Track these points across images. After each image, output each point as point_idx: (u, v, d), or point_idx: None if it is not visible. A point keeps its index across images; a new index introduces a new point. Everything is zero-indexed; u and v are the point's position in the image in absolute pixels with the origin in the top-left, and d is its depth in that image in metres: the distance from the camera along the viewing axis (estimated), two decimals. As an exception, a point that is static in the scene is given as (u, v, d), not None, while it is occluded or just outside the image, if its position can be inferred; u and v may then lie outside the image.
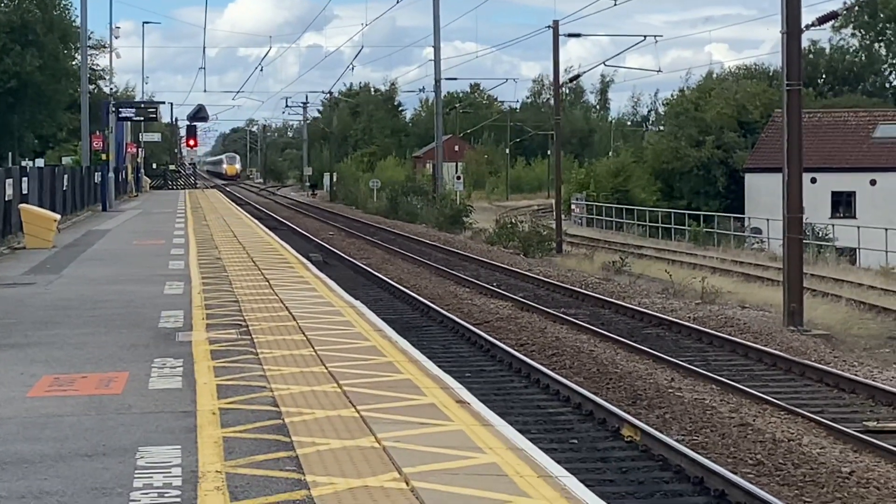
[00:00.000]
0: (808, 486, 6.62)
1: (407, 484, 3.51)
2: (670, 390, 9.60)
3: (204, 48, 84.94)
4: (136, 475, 3.63)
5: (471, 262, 22.83)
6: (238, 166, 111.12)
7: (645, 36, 29.43)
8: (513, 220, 31.51)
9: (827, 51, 62.27)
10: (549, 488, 3.51)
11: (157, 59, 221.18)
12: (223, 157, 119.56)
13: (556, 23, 32.65)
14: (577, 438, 7.95)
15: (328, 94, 75.47)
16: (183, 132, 55.44)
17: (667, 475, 6.85)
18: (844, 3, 42.67)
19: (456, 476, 3.62)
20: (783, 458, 7.23)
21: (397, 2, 26.77)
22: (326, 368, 5.89)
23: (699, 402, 9.10)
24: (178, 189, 51.42)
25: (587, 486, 3.81)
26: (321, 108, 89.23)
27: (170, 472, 3.66)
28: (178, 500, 3.34)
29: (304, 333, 7.27)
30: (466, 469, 3.74)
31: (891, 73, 63.02)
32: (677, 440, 7.54)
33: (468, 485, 3.50)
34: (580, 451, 7.60)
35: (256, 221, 24.78)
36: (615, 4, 24.04)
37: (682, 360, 11.02)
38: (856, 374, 10.36)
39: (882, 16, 58.29)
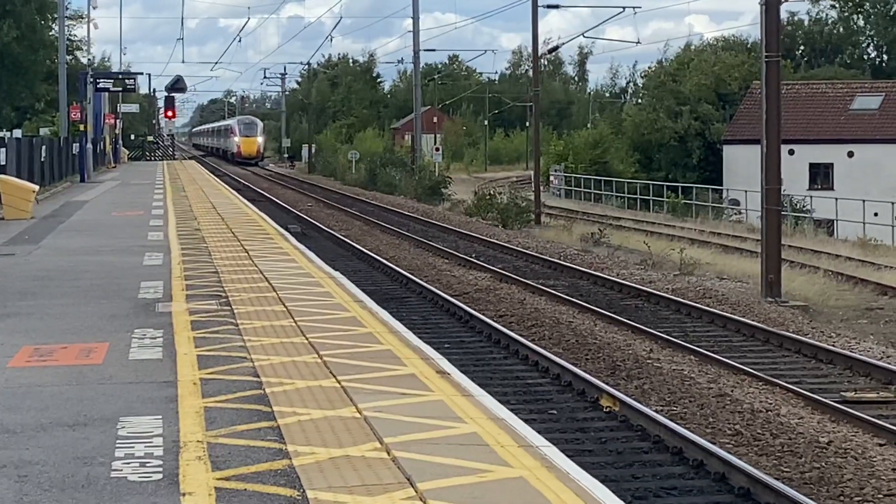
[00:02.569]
0: (786, 456, 6.71)
1: (388, 453, 3.50)
2: (649, 361, 9.68)
3: (182, 19, 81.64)
4: (117, 445, 3.60)
5: (449, 233, 22.77)
6: (261, 139, 65.50)
7: (624, 7, 29.10)
8: (491, 192, 31.47)
9: (805, 22, 62.87)
10: (529, 458, 3.52)
11: (137, 30, 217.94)
12: (233, 122, 68.99)
13: (535, -7, 32.29)
14: (556, 409, 8.00)
15: (307, 66, 75.03)
16: (161, 103, 55.00)
17: (645, 445, 6.92)
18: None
19: (437, 446, 3.62)
20: (761, 429, 7.32)
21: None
22: (307, 339, 5.86)
23: (677, 372, 9.18)
24: (156, 160, 51.80)
25: (567, 455, 3.83)
26: (300, 80, 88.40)
27: (151, 442, 3.63)
28: (160, 469, 3.31)
29: (283, 304, 7.21)
30: (447, 439, 3.73)
31: (868, 44, 63.40)
32: (656, 410, 7.61)
33: (449, 454, 3.50)
34: (560, 421, 7.65)
35: (235, 193, 24.54)
36: (596, -25, 23.67)
37: (660, 331, 11.11)
38: (833, 345, 10.48)
39: (860, -13, 58.68)
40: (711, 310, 12.57)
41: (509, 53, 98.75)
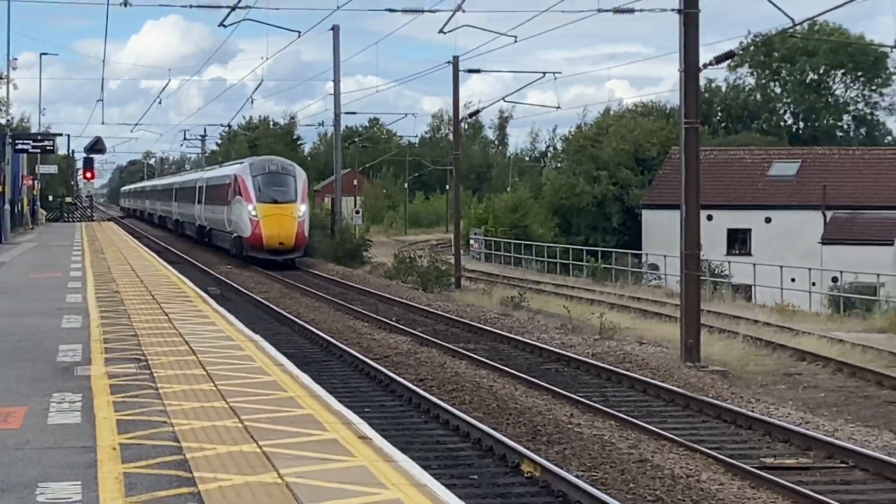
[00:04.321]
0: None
1: None
2: (570, 426, 9.78)
3: (103, 80, 78.05)
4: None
5: (370, 296, 22.69)
6: (303, 210, 30.49)
7: (544, 73, 30.37)
8: (411, 255, 31.67)
9: (723, 89, 65.30)
10: None
11: (58, 91, 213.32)
12: (239, 170, 32.10)
13: (455, 59, 33.34)
14: (477, 474, 7.98)
15: (227, 127, 73.52)
16: (80, 164, 53.83)
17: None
18: (741, 42, 46.14)
19: None
20: (682, 495, 7.43)
21: (299, 35, 26.00)
22: (227, 403, 5.72)
23: (598, 437, 9.31)
24: (74, 221, 50.18)
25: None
26: (219, 141, 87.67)
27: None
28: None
29: (204, 368, 7.03)
30: None
31: (785, 111, 66.78)
32: (577, 476, 7.67)
33: None
34: (481, 486, 7.63)
35: (154, 254, 23.90)
36: (515, 41, 24.68)
37: (581, 396, 11.26)
38: (752, 411, 10.70)
39: (777, 55, 62.40)
40: (632, 374, 12.80)
41: (430, 117, 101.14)
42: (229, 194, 31.27)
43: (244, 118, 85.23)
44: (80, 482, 3.86)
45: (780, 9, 15.50)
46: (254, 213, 28.86)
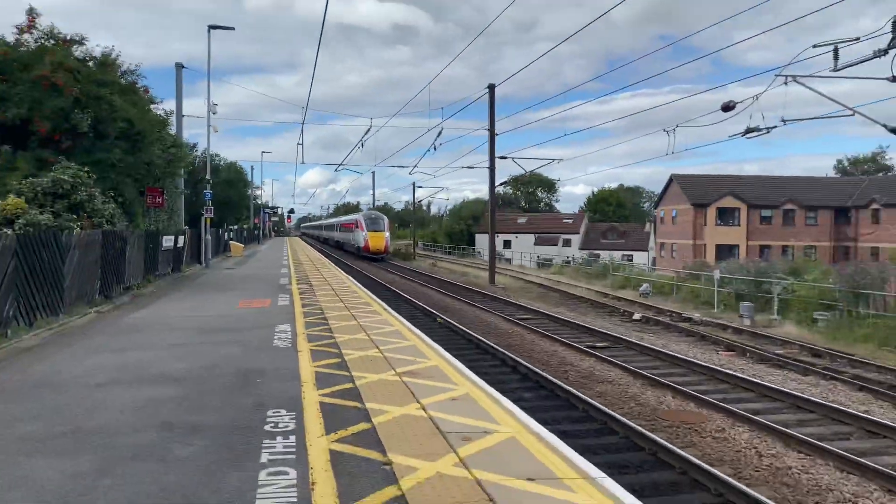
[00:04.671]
0: (490, 328, 24.10)
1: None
2: (454, 306, 26.91)
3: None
4: (275, 333, 18.88)
5: (397, 266, 39.31)
6: (387, 234, 61.88)
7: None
8: (401, 250, 62.72)
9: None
10: (418, 340, 20.36)
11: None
12: (360, 217, 64.78)
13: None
14: (427, 326, 24.75)
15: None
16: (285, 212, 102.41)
17: (459, 338, 23.88)
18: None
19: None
20: (494, 328, 24.65)
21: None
22: (350, 312, 22.28)
23: (460, 308, 26.45)
24: (283, 237, 79.59)
25: (431, 339, 20.62)
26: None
27: (287, 332, 18.96)
28: (290, 340, 18.81)
29: (336, 294, 23.50)
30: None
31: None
32: (457, 322, 24.65)
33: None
34: (426, 327, 24.37)
35: (317, 251, 38.45)
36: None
37: (456, 295, 28.50)
38: (515, 300, 28.56)
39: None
40: (471, 287, 30.42)
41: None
42: (354, 227, 65.56)
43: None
44: (288, 324, 19.65)
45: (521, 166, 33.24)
46: (365, 235, 60.67)
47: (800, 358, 18.21)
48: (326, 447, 6.43)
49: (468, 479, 5.51)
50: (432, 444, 6.41)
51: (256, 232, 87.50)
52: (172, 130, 31.39)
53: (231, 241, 51.74)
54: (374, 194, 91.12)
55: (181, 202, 35.96)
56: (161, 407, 7.99)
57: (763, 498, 8.35)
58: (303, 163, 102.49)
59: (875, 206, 60.37)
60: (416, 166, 58.11)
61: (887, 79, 19.95)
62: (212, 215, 36.80)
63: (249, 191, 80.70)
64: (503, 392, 9.70)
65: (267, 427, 7.14)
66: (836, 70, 19.96)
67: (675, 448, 10.11)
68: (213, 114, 36.61)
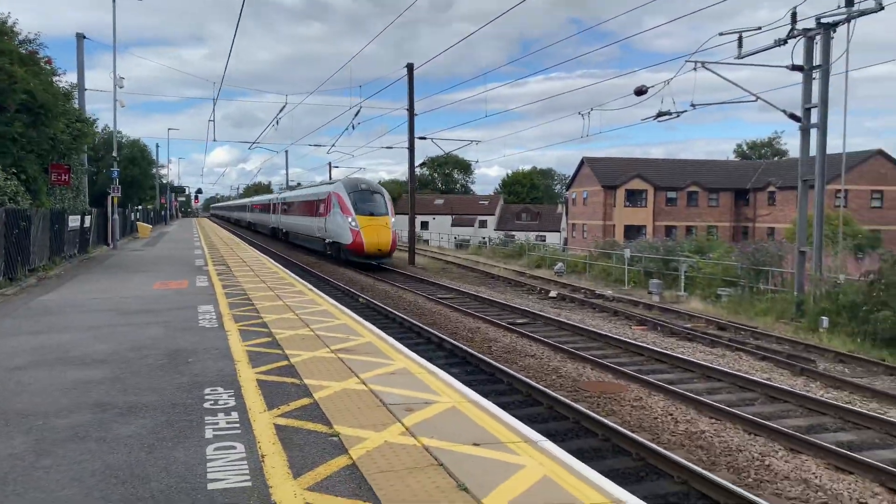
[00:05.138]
0: (411, 309, 24.38)
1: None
2: (379, 286, 26.97)
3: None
4: (199, 314, 19.06)
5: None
6: (392, 219, 35.23)
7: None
8: None
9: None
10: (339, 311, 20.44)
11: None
12: (335, 189, 37.25)
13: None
14: (352, 305, 24.74)
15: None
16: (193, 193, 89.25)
17: (383, 318, 23.99)
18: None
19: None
20: (407, 304, 24.88)
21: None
22: (283, 302, 22.08)
23: (382, 288, 26.57)
24: (192, 217, 71.60)
25: (364, 317, 20.71)
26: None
27: (211, 313, 19.13)
28: (216, 321, 19.06)
29: (252, 268, 23.22)
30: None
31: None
32: (377, 300, 24.75)
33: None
34: (350, 304, 24.41)
35: (231, 234, 36.88)
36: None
37: (379, 275, 28.58)
38: (435, 280, 28.91)
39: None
40: (394, 268, 30.58)
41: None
42: (326, 207, 37.21)
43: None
44: (212, 305, 19.67)
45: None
46: (354, 223, 33.55)
47: (707, 331, 19.24)
48: (271, 422, 6.49)
49: (416, 446, 5.71)
50: (376, 415, 6.57)
51: (163, 213, 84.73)
52: (75, 105, 29.97)
53: (138, 222, 50.13)
54: (287, 174, 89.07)
55: (86, 181, 34.50)
56: (91, 388, 7.82)
57: (681, 460, 8.90)
58: (214, 139, 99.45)
59: (771, 188, 63.79)
60: (333, 145, 56.63)
61: (787, 67, 21.17)
62: (119, 194, 35.48)
63: (154, 170, 77.94)
64: (435, 367, 9.92)
65: (207, 405, 7.12)
66: (740, 57, 21.01)
67: (597, 416, 10.61)
68: (120, 87, 35.17)
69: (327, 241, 37.20)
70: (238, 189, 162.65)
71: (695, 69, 20.46)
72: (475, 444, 5.72)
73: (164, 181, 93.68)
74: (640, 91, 21.68)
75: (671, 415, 11.14)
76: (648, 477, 8.71)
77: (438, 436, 5.93)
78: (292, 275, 21.57)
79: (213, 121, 43.07)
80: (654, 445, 9.39)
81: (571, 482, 4.95)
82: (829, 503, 7.81)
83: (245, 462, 5.51)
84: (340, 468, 5.33)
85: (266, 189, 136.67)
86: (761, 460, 9.20)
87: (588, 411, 10.83)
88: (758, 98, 21.07)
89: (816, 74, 20.44)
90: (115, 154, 35.97)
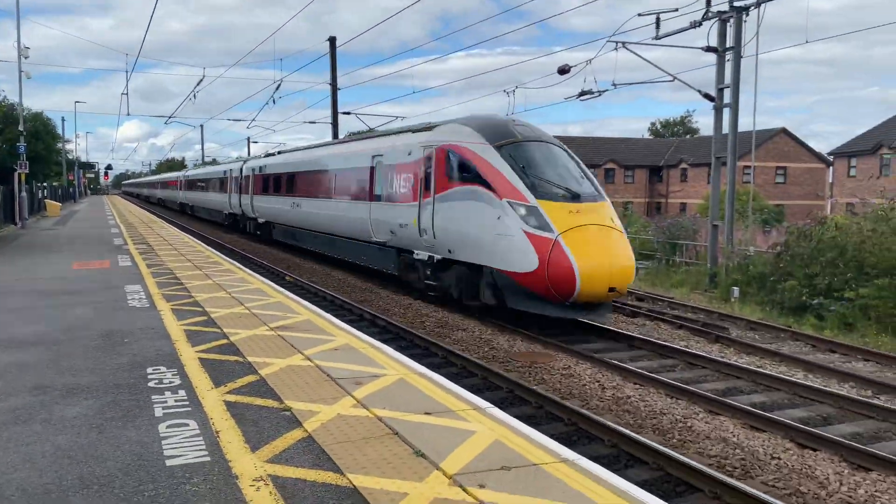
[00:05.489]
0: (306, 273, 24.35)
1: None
2: (306, 265, 26.76)
3: None
4: (127, 294, 18.80)
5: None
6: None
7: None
8: None
9: None
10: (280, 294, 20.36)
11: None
12: (425, 140, 16.33)
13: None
14: (283, 283, 24.52)
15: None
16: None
17: (312, 296, 23.84)
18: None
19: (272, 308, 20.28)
20: (341, 283, 24.84)
21: None
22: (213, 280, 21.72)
23: (317, 268, 26.39)
24: (102, 195, 66.26)
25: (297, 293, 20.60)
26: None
27: (140, 293, 18.83)
28: (146, 301, 18.85)
29: (173, 245, 22.71)
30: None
31: None
32: (309, 281, 24.61)
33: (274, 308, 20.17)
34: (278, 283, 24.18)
35: (141, 208, 35.07)
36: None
37: (306, 253, 28.31)
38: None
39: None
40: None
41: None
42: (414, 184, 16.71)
43: None
44: (139, 285, 19.46)
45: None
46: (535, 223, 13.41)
47: (627, 302, 20.05)
48: (220, 399, 6.56)
49: (369, 417, 5.90)
50: (326, 389, 6.72)
51: (72, 190, 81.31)
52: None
53: (47, 200, 47.96)
54: (203, 149, 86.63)
55: (-11, 157, 32.81)
56: (26, 371, 7.67)
57: (609, 423, 9.41)
58: (128, 114, 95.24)
59: (683, 165, 66.24)
60: (254, 120, 55.29)
61: (701, 48, 22.04)
62: (27, 170, 33.89)
63: (60, 144, 74.59)
64: (375, 341, 10.09)
65: (151, 384, 7.11)
66: (657, 38, 21.74)
67: (529, 385, 11.04)
68: (25, 58, 33.48)
69: (413, 250, 17.43)
70: (150, 165, 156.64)
71: (616, 49, 21.07)
72: (426, 413, 5.96)
73: (71, 157, 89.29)
74: (563, 70, 22.17)
75: (598, 382, 11.68)
76: (581, 441, 9.16)
77: (390, 406, 6.14)
78: (218, 253, 21.27)
79: (127, 94, 41.36)
80: (584, 411, 9.87)
81: (521, 444, 5.25)
82: (746, 459, 8.44)
83: (200, 438, 5.59)
84: (297, 441, 5.48)
85: (180, 165, 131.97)
86: (684, 422, 9.80)
87: (520, 381, 11.25)
88: (675, 78, 21.90)
89: (729, 56, 21.37)
90: (21, 128, 34.28)
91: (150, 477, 4.89)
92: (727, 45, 21.51)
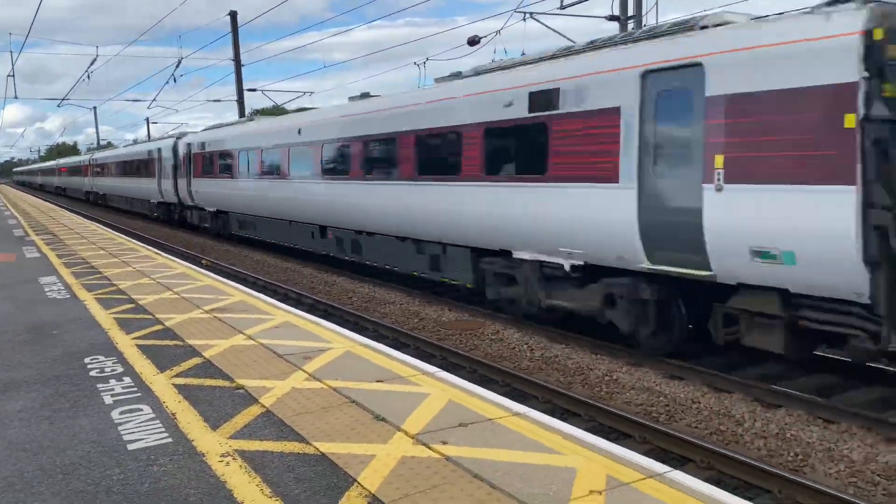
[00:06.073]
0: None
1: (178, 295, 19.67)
2: (222, 247, 26.23)
3: None
4: (44, 286, 18.41)
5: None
6: None
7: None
8: None
9: None
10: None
11: None
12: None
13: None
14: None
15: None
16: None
17: (232, 278, 23.46)
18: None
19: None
20: (259, 263, 24.52)
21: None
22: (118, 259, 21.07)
23: (233, 250, 25.92)
24: None
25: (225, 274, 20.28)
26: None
27: (57, 284, 18.43)
28: (65, 292, 18.55)
29: (78, 232, 21.93)
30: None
31: None
32: (225, 263, 24.19)
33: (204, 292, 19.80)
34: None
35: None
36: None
37: (215, 236, 27.73)
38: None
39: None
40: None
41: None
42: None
43: None
44: (53, 276, 18.99)
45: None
46: None
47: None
48: (168, 383, 6.59)
49: (324, 388, 6.09)
50: (276, 366, 6.85)
51: None
52: None
53: None
54: (97, 132, 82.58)
55: None
56: (-46, 370, 7.44)
57: (540, 381, 9.90)
58: (16, 97, 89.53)
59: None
60: (154, 100, 52.50)
61: (605, 17, 22.75)
62: None
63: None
64: (311, 318, 10.20)
65: (93, 373, 7.05)
66: (562, 8, 22.29)
67: (461, 352, 11.42)
68: None
69: None
70: (39, 151, 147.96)
71: (524, 20, 21.47)
72: (379, 381, 6.20)
73: None
74: (473, 41, 22.43)
75: (527, 344, 12.18)
76: (516, 400, 9.61)
77: (342, 377, 6.34)
78: (132, 240, 20.65)
79: (13, 75, 39.02)
80: (515, 372, 10.33)
81: (474, 402, 5.58)
82: (669, 405, 9.08)
83: (157, 421, 5.65)
84: (256, 416, 5.62)
85: (72, 150, 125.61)
86: (610, 376, 10.40)
87: (454, 348, 11.61)
88: (581, 47, 22.51)
89: (631, 24, 22.15)
90: None
91: (115, 462, 4.95)
92: (629, 14, 22.28)
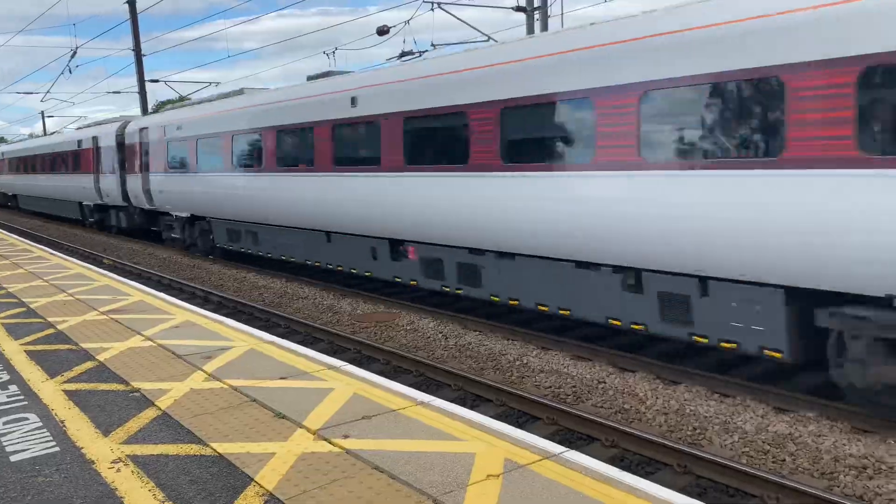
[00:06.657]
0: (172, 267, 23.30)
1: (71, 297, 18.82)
2: (127, 245, 25.20)
3: None
4: None
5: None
6: None
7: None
8: None
9: None
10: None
11: None
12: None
13: None
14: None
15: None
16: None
17: (136, 277, 22.57)
18: None
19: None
20: (166, 262, 23.70)
21: None
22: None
23: (138, 249, 24.95)
24: None
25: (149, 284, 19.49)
26: None
27: None
28: None
29: None
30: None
31: None
32: (129, 262, 23.29)
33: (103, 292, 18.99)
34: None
35: None
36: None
37: (122, 235, 26.56)
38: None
39: None
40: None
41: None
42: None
43: None
44: None
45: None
46: None
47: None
48: (58, 389, 6.28)
49: (224, 388, 5.92)
50: (174, 367, 6.62)
51: None
52: None
53: None
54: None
55: None
56: None
57: (452, 369, 9.95)
58: None
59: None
60: (49, 92, 49.44)
61: (511, 7, 22.97)
62: None
63: None
64: (216, 316, 9.92)
65: (-25, 383, 6.64)
66: (469, -2, 22.35)
67: (376, 344, 11.36)
68: None
69: None
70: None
71: (432, 10, 21.45)
72: (282, 378, 6.07)
73: None
74: (383, 31, 22.26)
75: (441, 333, 12.22)
76: (429, 389, 9.63)
77: (244, 376, 6.19)
78: (24, 240, 19.62)
79: None
80: (429, 361, 10.34)
81: (379, 394, 5.53)
82: (577, 386, 9.28)
83: (44, 430, 5.37)
84: (151, 420, 5.41)
85: None
86: (521, 360, 10.55)
87: (368, 341, 11.53)
88: (489, 38, 22.68)
89: (538, 16, 22.45)
90: None
91: (-5, 475, 4.67)
92: (535, 5, 22.57)
